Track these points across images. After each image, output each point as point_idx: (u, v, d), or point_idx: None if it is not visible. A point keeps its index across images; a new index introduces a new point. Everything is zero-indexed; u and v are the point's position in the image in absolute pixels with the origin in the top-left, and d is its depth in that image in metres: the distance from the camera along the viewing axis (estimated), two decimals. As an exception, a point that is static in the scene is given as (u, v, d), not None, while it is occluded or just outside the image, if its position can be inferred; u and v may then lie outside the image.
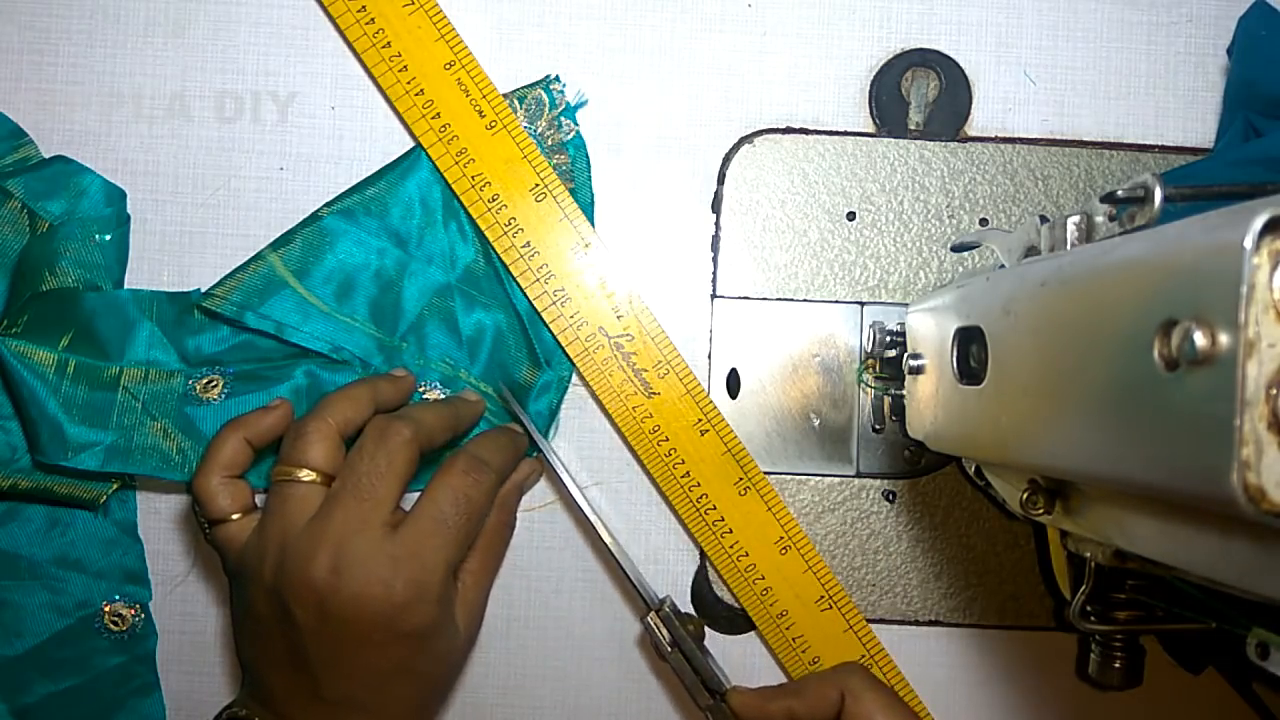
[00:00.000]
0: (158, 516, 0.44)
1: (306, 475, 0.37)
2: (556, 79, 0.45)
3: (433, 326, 0.44)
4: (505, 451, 0.41)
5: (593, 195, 0.45)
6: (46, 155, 0.44)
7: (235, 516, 0.38)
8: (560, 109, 0.45)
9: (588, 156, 0.45)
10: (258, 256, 0.43)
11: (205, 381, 0.42)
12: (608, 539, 0.42)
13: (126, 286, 0.44)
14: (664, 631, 0.42)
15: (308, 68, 0.45)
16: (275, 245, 0.43)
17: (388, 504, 0.37)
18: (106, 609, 0.43)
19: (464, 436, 0.43)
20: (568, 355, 0.44)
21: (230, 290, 0.42)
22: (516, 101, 0.44)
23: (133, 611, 0.44)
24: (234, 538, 0.38)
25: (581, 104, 0.45)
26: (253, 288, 0.42)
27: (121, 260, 0.44)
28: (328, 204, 0.43)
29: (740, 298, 0.45)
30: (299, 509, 0.37)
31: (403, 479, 0.37)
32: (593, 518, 0.42)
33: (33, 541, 0.43)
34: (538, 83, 0.45)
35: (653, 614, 0.42)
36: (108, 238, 0.43)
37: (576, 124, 0.45)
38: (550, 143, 0.44)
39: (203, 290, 0.43)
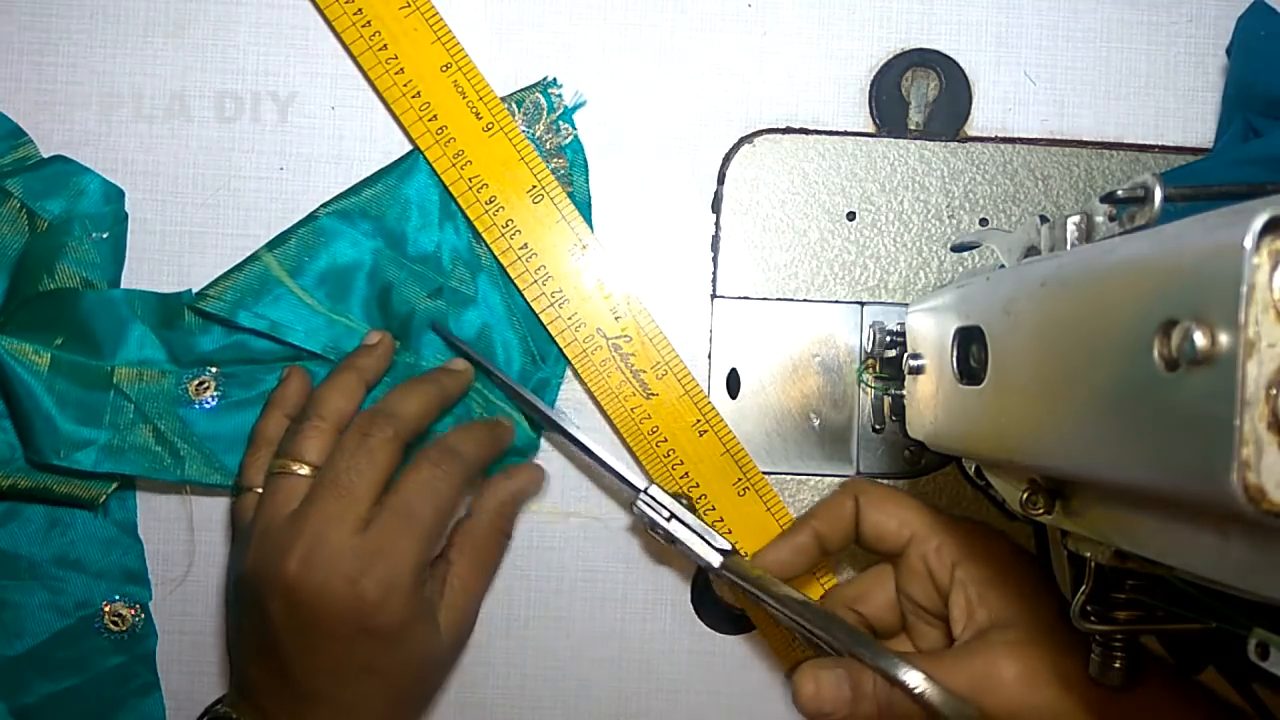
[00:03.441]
0: (157, 516, 0.44)
1: (300, 469, 0.38)
2: (554, 82, 0.45)
3: (426, 328, 0.44)
4: (480, 442, 0.40)
5: (590, 198, 0.45)
6: (46, 155, 0.44)
7: (258, 489, 0.39)
8: (558, 113, 0.45)
9: (585, 160, 0.45)
10: (253, 257, 0.43)
11: (197, 383, 0.43)
12: (585, 438, 0.42)
13: (123, 286, 0.44)
14: (659, 507, 0.41)
15: (308, 68, 0.45)
16: (270, 245, 0.43)
17: (365, 501, 0.37)
18: (106, 609, 0.43)
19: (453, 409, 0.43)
20: (566, 356, 0.44)
21: (224, 290, 0.42)
22: (515, 105, 0.44)
23: (133, 611, 0.44)
24: (247, 509, 0.39)
25: (580, 105, 0.45)
26: (247, 287, 0.42)
27: (118, 259, 0.44)
28: (324, 204, 0.43)
29: (740, 298, 0.45)
30: (285, 501, 0.37)
31: (383, 476, 0.37)
32: (574, 430, 0.42)
33: (33, 541, 0.43)
34: (535, 86, 0.45)
35: (642, 493, 0.41)
36: (105, 235, 0.43)
37: (574, 127, 0.45)
38: (549, 146, 0.44)
39: (195, 291, 0.43)
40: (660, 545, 0.42)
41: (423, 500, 0.37)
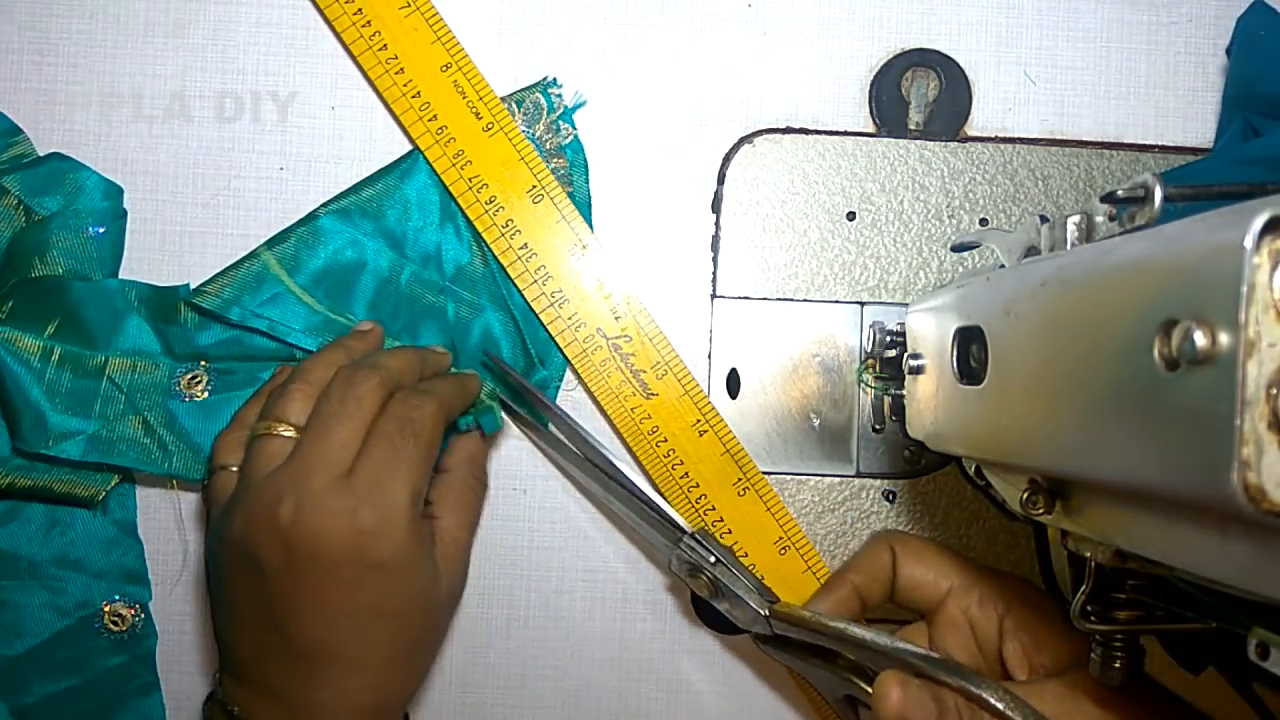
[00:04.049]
0: (157, 516, 0.44)
1: (285, 430, 0.37)
2: (554, 82, 0.45)
3: (425, 327, 0.44)
4: (452, 386, 0.40)
5: (590, 199, 0.45)
6: (46, 155, 0.44)
7: (233, 467, 0.38)
8: (559, 113, 0.45)
9: (585, 160, 0.45)
10: (252, 254, 0.43)
11: (189, 377, 0.42)
12: (633, 475, 0.41)
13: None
14: (703, 552, 0.40)
15: (308, 68, 0.45)
16: (270, 243, 0.43)
17: (353, 445, 0.36)
18: (106, 609, 0.43)
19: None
20: (566, 357, 0.44)
21: (221, 287, 0.42)
22: (515, 105, 0.44)
23: (133, 611, 0.44)
24: (223, 489, 0.38)
25: (580, 105, 0.45)
26: (244, 284, 0.42)
27: (116, 255, 0.44)
28: (324, 204, 0.43)
29: (740, 298, 0.45)
30: (270, 461, 0.37)
31: (367, 422, 0.37)
32: (618, 464, 0.41)
33: (33, 541, 0.43)
34: (535, 86, 0.45)
35: (686, 537, 0.40)
36: (101, 230, 0.43)
37: (575, 127, 0.45)
38: (549, 146, 0.44)
39: (193, 287, 0.43)
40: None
41: (402, 433, 0.36)
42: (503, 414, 0.43)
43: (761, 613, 0.39)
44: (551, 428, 0.43)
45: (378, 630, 0.36)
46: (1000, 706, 0.31)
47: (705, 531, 0.41)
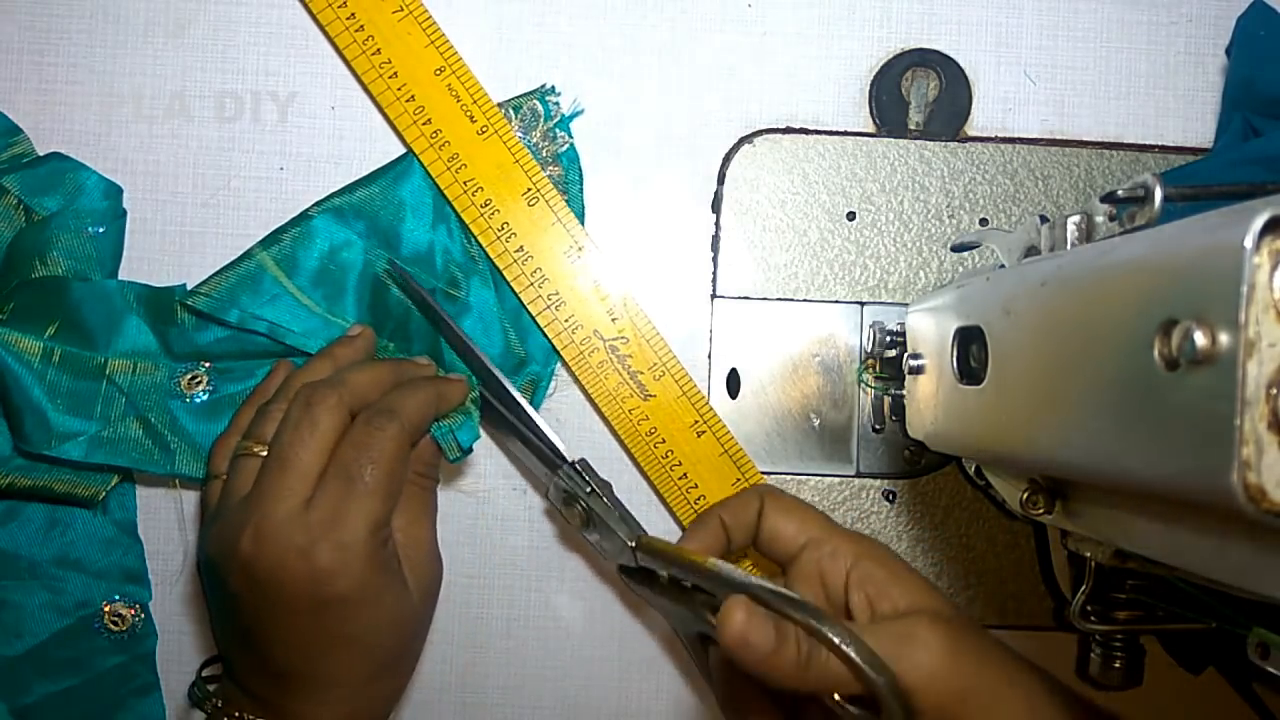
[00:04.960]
0: (157, 516, 0.44)
1: (262, 450, 0.37)
2: (552, 89, 0.45)
3: (416, 327, 0.44)
4: (421, 400, 0.39)
5: (584, 207, 0.45)
6: (45, 155, 0.44)
7: (225, 476, 0.38)
8: (555, 120, 0.44)
9: (580, 169, 0.45)
10: (247, 254, 0.43)
11: (189, 377, 0.43)
12: (522, 401, 0.41)
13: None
14: (580, 481, 0.41)
15: (308, 68, 0.45)
16: (265, 244, 0.43)
17: (312, 472, 0.36)
18: (106, 609, 0.43)
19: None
20: (563, 358, 0.44)
21: (215, 287, 0.42)
22: (512, 111, 0.44)
23: (132, 611, 0.44)
24: (213, 496, 0.39)
25: (577, 113, 0.45)
26: (240, 285, 0.42)
27: (116, 255, 0.44)
28: (317, 203, 0.43)
29: (740, 298, 0.45)
30: (245, 483, 0.37)
31: (328, 443, 0.36)
32: (510, 389, 0.41)
33: (33, 541, 0.43)
34: (533, 93, 0.45)
35: (565, 466, 0.41)
36: (101, 230, 0.42)
37: (571, 135, 0.45)
38: (545, 154, 0.44)
39: (189, 288, 0.43)
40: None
41: (359, 463, 0.36)
42: (480, 428, 0.42)
43: (629, 544, 0.39)
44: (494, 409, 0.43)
45: (346, 654, 0.36)
46: (836, 641, 0.32)
47: (585, 462, 0.41)
